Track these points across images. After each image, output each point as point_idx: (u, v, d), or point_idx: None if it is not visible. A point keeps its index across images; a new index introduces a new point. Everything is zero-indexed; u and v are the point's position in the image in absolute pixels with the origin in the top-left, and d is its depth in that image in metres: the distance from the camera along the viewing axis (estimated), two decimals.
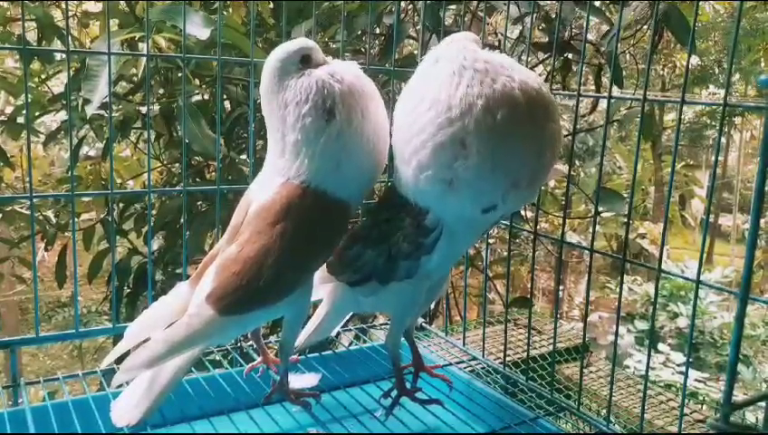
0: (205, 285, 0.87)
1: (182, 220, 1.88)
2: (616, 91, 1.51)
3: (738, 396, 0.59)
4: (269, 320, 1.07)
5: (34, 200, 1.05)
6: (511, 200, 0.82)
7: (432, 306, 1.60)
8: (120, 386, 0.89)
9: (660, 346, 4.93)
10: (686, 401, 1.64)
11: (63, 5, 1.91)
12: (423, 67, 0.86)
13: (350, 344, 1.39)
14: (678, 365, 4.49)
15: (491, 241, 1.68)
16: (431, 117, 0.79)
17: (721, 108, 0.84)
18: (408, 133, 0.82)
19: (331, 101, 0.86)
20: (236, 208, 0.94)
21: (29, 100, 1.07)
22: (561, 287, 7.07)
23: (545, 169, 0.83)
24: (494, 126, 0.76)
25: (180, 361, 0.87)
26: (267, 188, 0.90)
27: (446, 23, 1.72)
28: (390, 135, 0.89)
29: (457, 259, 1.02)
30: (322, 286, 1.03)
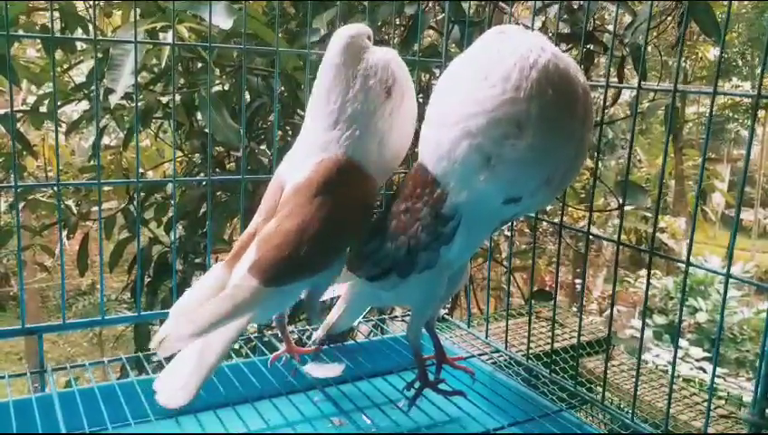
0: (246, 260, 0.90)
1: (205, 210, 1.90)
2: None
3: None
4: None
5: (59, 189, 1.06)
6: (538, 196, 0.81)
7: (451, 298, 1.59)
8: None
9: (679, 341, 4.89)
10: (707, 396, 1.63)
11: None
12: (487, 40, 0.83)
13: (369, 334, 1.39)
14: (698, 360, 4.44)
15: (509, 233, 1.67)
16: (494, 93, 0.76)
17: (750, 99, 0.83)
18: (461, 100, 0.79)
19: (392, 81, 0.95)
20: (267, 190, 0.98)
21: (52, 89, 1.07)
22: (581, 281, 7.03)
23: (575, 173, 0.83)
24: (555, 118, 0.75)
25: (224, 340, 0.87)
26: (302, 167, 0.94)
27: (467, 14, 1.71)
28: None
29: (476, 250, 1.01)
30: (340, 284, 1.04)
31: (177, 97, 1.88)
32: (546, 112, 0.75)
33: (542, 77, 0.74)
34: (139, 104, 1.85)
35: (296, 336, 1.34)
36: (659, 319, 5.58)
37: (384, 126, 0.95)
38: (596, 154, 1.11)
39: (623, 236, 0.97)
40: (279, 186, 0.96)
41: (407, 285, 0.94)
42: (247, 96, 2.03)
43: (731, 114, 9.36)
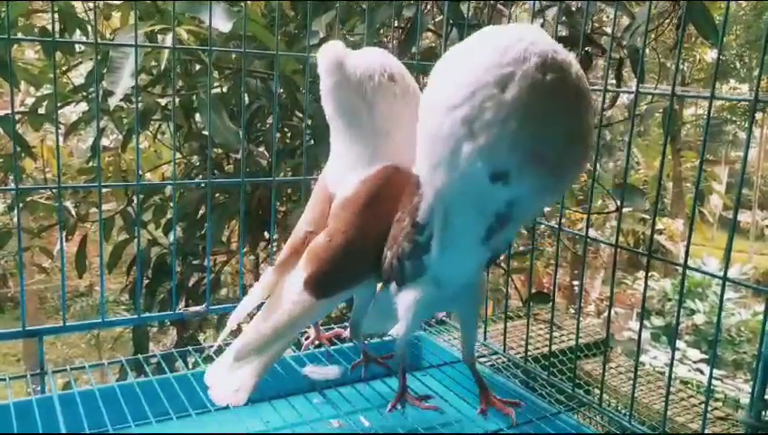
0: (298, 272, 0.96)
1: (204, 212, 1.90)
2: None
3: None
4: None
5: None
6: (528, 176, 0.72)
7: None
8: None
9: (677, 343, 4.89)
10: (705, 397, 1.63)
11: None
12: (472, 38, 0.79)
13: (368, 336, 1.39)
14: (695, 362, 4.45)
15: None
16: (480, 62, 0.72)
17: (748, 103, 0.83)
18: (446, 86, 0.76)
19: (388, 66, 0.97)
20: (312, 198, 1.03)
21: (51, 90, 1.08)
22: (578, 283, 7.02)
23: (576, 158, 0.76)
24: (542, 87, 0.70)
25: (281, 346, 0.97)
26: (349, 181, 0.98)
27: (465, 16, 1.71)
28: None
29: (466, 265, 0.92)
30: None
31: (176, 99, 1.88)
32: (533, 77, 0.70)
33: (529, 47, 0.71)
34: (138, 106, 1.84)
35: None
36: (657, 321, 5.59)
37: (400, 110, 0.97)
38: (594, 156, 1.12)
39: (621, 239, 0.97)
40: (326, 196, 1.00)
41: (400, 296, 0.95)
42: (246, 98, 2.04)
43: (729, 116, 9.38)
